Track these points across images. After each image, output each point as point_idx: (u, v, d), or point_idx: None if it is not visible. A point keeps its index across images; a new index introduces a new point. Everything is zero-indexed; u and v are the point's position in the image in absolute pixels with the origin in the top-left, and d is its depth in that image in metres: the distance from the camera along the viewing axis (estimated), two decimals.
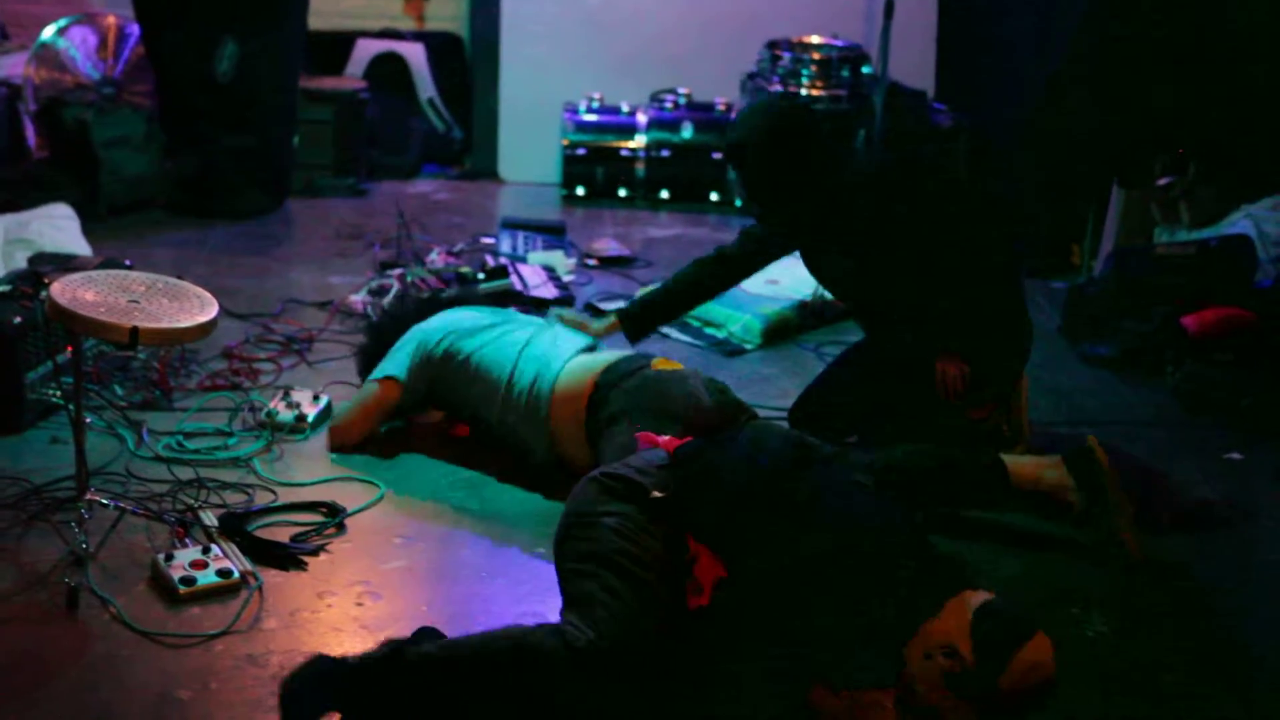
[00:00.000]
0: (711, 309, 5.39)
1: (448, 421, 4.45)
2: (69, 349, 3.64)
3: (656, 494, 3.04)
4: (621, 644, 2.88)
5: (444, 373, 4.27)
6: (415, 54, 7.98)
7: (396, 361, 4.31)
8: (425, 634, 3.15)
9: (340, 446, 4.30)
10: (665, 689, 2.99)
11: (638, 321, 4.57)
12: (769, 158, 4.13)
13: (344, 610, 3.41)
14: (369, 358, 4.49)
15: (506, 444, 4.22)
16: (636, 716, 2.96)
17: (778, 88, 7.07)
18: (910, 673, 2.78)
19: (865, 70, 7.09)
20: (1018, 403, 4.33)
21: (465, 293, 5.03)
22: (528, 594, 3.50)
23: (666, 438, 3.30)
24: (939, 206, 4.11)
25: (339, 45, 7.94)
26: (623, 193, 7.55)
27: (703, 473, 3.10)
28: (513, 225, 6.44)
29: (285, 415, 4.37)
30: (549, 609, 3.33)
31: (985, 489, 3.75)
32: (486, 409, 4.21)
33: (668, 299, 4.60)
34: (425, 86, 8.00)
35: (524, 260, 5.98)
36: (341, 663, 2.93)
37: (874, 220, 4.07)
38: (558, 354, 4.19)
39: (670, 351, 5.00)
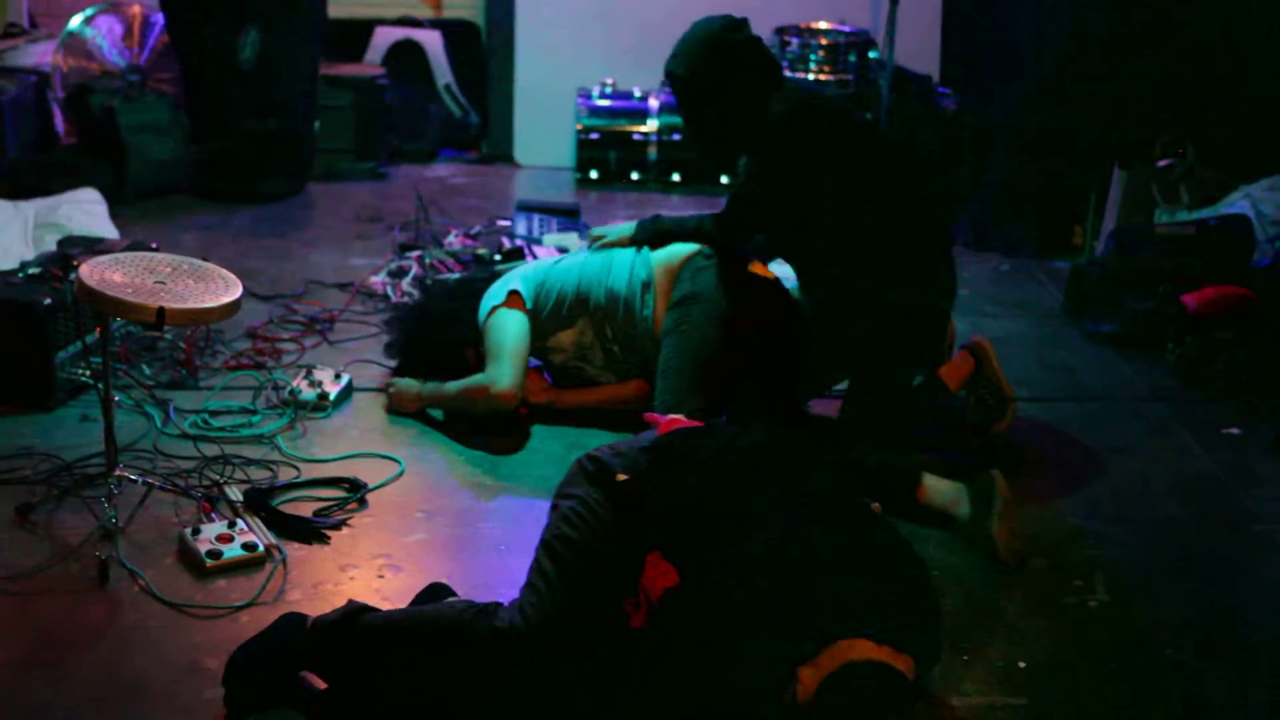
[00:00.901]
0: None
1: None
2: (98, 329, 3.65)
3: (621, 477, 2.97)
4: (542, 629, 2.84)
5: (535, 310, 4.35)
6: (433, 41, 7.97)
7: (509, 283, 4.37)
8: (431, 591, 3.19)
9: (512, 404, 4.20)
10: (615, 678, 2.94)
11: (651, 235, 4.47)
12: (697, 89, 4.13)
13: (365, 582, 3.42)
14: (406, 348, 4.52)
15: (610, 369, 4.39)
16: (570, 702, 2.91)
17: (785, 73, 7.02)
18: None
19: (872, 55, 7.06)
20: (990, 369, 4.33)
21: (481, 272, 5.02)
22: None
23: (669, 418, 3.28)
24: (849, 156, 4.09)
25: (358, 33, 7.93)
26: (635, 176, 7.53)
27: (672, 460, 3.00)
28: (528, 208, 6.42)
29: (308, 393, 4.38)
30: None
31: (890, 497, 3.64)
32: (586, 327, 4.34)
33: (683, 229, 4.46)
34: (442, 73, 7.99)
35: (539, 242, 5.97)
36: (296, 624, 2.98)
37: (784, 160, 4.06)
38: (643, 252, 4.35)
39: None
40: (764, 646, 2.66)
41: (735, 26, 4.16)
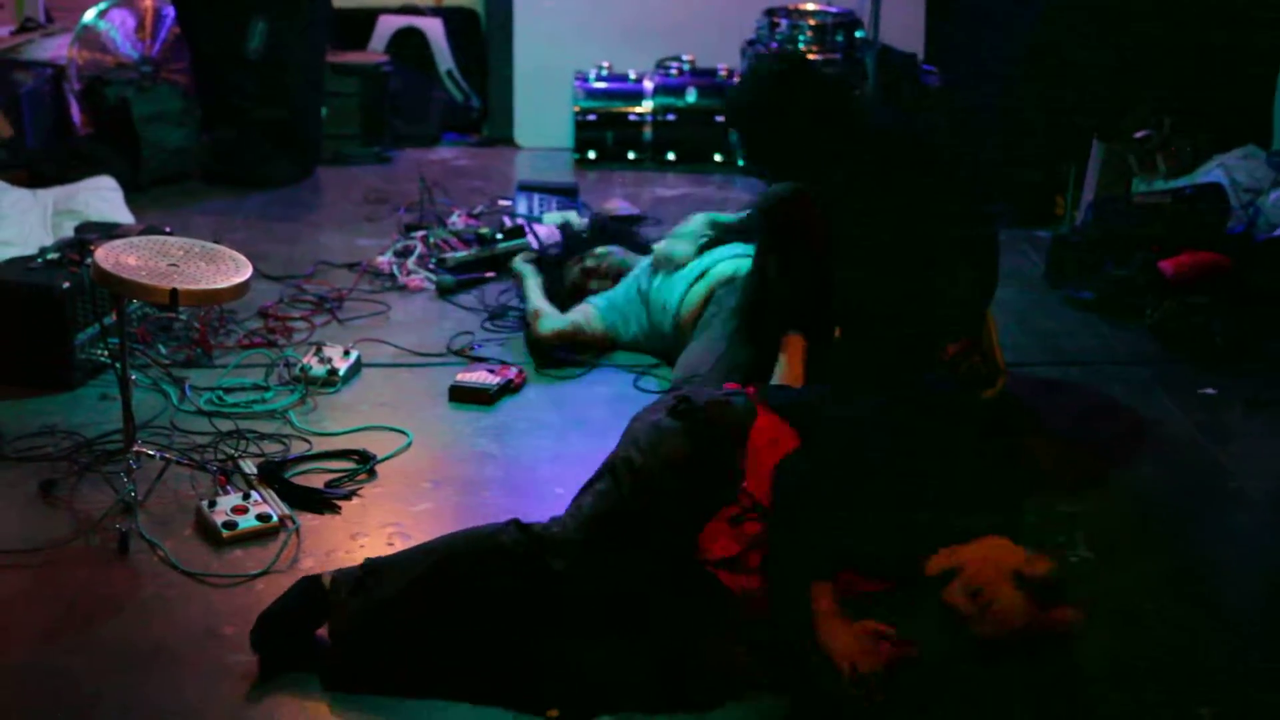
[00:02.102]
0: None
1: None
2: (114, 311, 3.65)
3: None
4: (578, 539, 2.84)
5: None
6: (434, 28, 7.95)
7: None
8: None
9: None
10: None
11: None
12: (756, 134, 4.09)
13: (376, 550, 3.42)
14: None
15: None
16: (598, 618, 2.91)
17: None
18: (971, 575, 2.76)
19: (858, 34, 7.04)
20: (988, 341, 4.31)
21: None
22: None
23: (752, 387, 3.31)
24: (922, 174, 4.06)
25: (362, 21, 7.91)
26: (631, 155, 7.51)
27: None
28: (528, 188, 6.42)
29: (318, 370, 4.38)
30: None
31: None
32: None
33: None
34: (444, 59, 7.97)
35: (539, 220, 5.97)
36: (315, 580, 3.01)
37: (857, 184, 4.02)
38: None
39: None
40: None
41: (781, 62, 4.09)
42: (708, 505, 2.94)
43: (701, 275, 4.50)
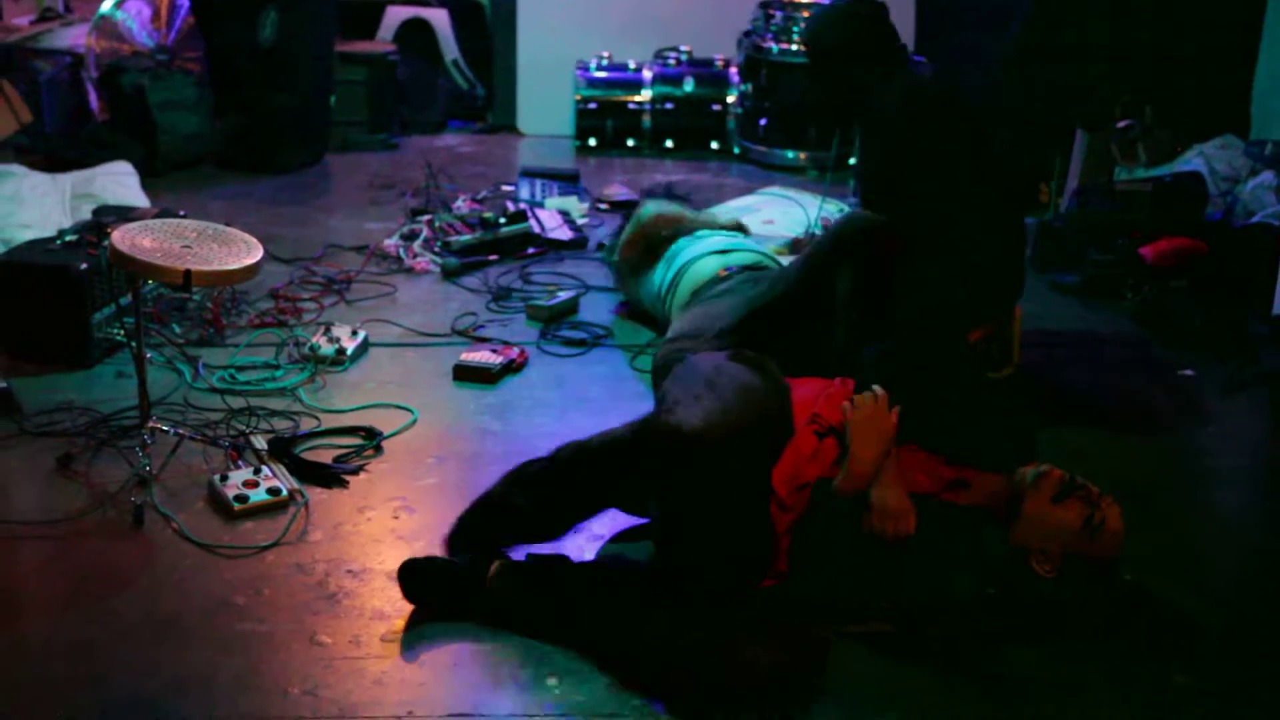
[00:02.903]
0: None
1: None
2: (130, 291, 3.64)
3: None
4: (709, 431, 2.87)
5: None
6: (440, 19, 7.93)
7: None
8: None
9: None
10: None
11: None
12: (815, 57, 4.09)
13: (382, 523, 3.43)
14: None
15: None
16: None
17: (770, 44, 7.03)
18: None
19: None
20: (1010, 331, 4.28)
21: None
22: None
23: None
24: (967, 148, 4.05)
25: (370, 12, 7.89)
26: (631, 142, 7.52)
27: None
28: (531, 174, 6.42)
29: (327, 349, 4.38)
30: None
31: None
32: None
33: None
34: (450, 49, 7.96)
35: (541, 205, 5.97)
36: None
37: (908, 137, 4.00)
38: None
39: None
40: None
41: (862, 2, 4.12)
42: (774, 438, 3.03)
43: (720, 253, 4.46)
